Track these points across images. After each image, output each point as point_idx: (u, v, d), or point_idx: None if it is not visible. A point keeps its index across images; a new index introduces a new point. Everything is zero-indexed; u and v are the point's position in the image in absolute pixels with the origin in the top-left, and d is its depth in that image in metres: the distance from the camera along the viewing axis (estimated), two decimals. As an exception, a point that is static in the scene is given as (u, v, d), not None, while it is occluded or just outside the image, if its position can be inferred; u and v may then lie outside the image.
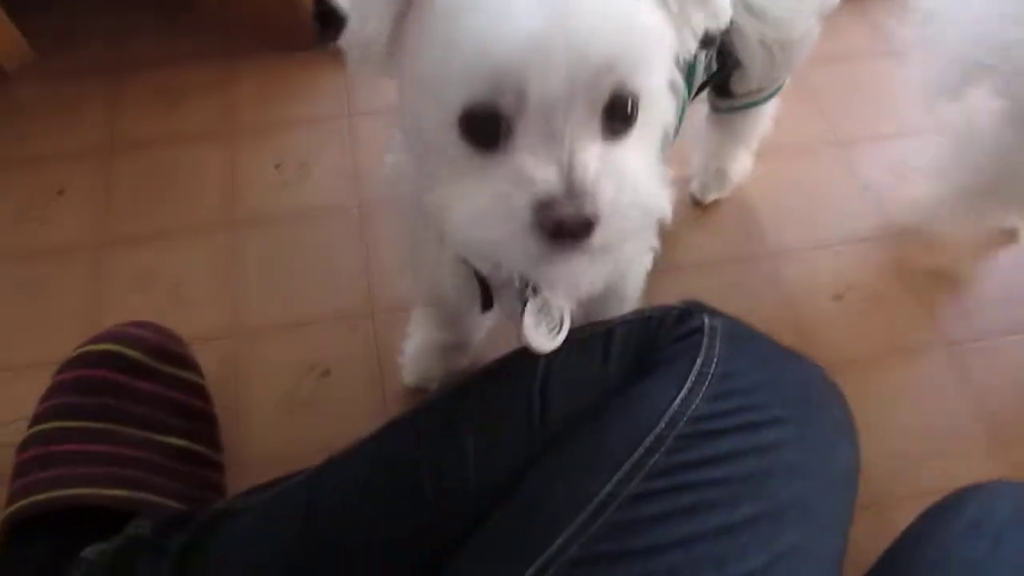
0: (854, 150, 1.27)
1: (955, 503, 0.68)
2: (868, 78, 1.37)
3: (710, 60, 0.85)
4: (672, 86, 0.56)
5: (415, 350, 0.98)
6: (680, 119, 0.81)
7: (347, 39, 0.52)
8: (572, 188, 0.47)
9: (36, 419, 0.85)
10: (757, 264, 1.15)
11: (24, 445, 0.84)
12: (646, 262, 0.80)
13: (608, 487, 0.58)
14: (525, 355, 0.69)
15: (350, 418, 0.99)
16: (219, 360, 1.03)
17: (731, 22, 0.80)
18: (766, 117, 1.06)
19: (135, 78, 1.33)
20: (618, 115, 0.49)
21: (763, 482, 0.60)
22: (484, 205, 0.48)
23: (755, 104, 0.99)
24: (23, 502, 0.81)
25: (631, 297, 0.81)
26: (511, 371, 0.69)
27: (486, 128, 0.48)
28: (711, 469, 0.59)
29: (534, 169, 0.47)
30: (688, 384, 0.63)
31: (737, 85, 0.94)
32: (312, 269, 1.12)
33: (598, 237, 0.47)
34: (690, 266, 1.14)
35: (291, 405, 1.00)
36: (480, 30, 0.45)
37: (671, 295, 1.07)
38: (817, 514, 0.61)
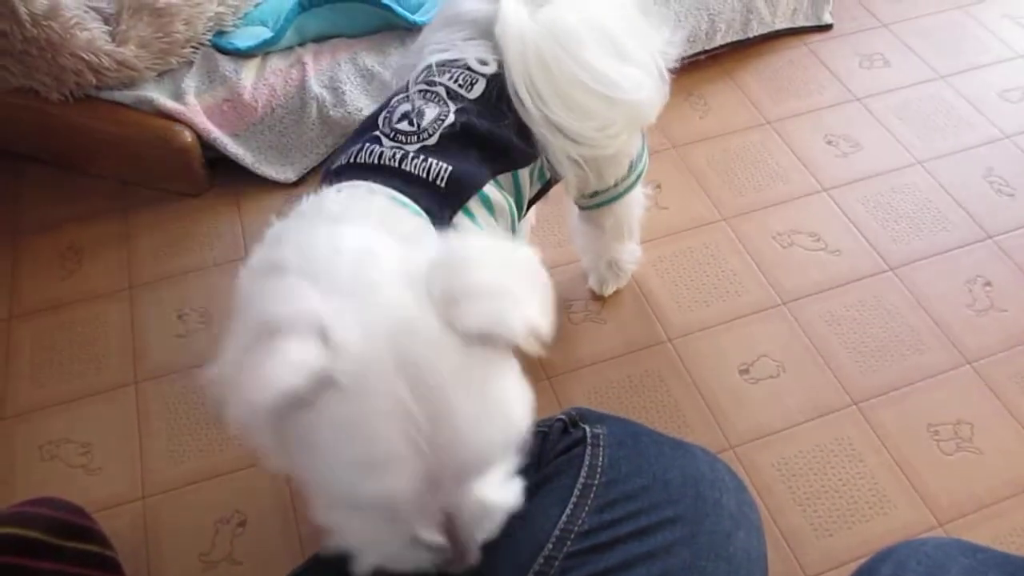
0: (741, 223, 1.31)
1: (870, 570, 0.68)
2: (747, 150, 1.43)
3: (540, 170, 0.88)
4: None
5: None
6: (515, 226, 0.85)
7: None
8: (458, 550, 0.55)
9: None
10: (661, 349, 1.16)
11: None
12: None
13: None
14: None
15: (272, 566, 0.97)
16: (131, 525, 1.00)
17: (539, 140, 0.84)
18: (634, 206, 1.08)
19: (33, 242, 1.33)
20: None
21: None
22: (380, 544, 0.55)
23: (611, 201, 1.02)
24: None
25: None
26: None
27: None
28: (604, 584, 0.58)
29: (423, 535, 0.54)
30: (573, 499, 0.63)
31: (569, 192, 0.98)
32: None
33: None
34: (595, 361, 1.15)
35: (208, 562, 0.98)
36: (359, 471, 0.50)
37: (577, 394, 1.09)
38: None
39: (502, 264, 0.56)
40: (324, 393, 0.49)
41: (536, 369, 1.12)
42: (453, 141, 0.78)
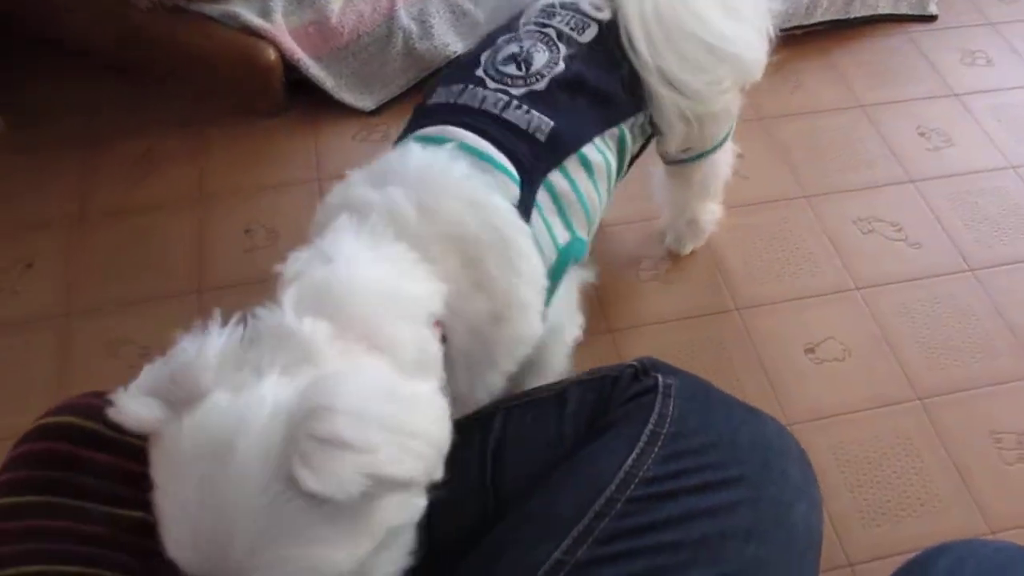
0: (822, 203, 1.28)
1: (925, 561, 0.67)
2: (835, 131, 1.39)
3: (642, 126, 0.86)
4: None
5: None
6: (612, 186, 0.83)
7: None
8: None
9: (-10, 494, 0.84)
10: (727, 317, 1.14)
11: (-24, 523, 0.82)
12: (568, 339, 0.85)
13: (556, 554, 0.56)
14: (478, 417, 0.68)
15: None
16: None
17: (650, 92, 0.82)
18: (722, 164, 1.07)
19: (107, 149, 1.35)
20: None
21: (717, 546, 0.58)
22: None
23: (700, 157, 1.00)
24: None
25: (556, 370, 0.84)
26: (464, 433, 0.68)
27: None
28: (663, 533, 0.57)
29: None
30: (640, 445, 0.62)
31: (662, 148, 0.95)
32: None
33: None
34: (658, 321, 1.13)
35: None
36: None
37: (636, 351, 1.08)
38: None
39: (372, 410, 0.50)
40: (154, 447, 0.53)
41: (598, 320, 1.12)
42: (563, 90, 0.77)
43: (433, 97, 0.79)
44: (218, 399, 0.51)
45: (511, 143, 0.73)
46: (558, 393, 0.70)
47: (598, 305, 1.14)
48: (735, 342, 1.12)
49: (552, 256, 0.74)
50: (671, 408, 0.65)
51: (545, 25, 0.81)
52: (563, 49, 0.79)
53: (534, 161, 0.73)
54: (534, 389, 0.71)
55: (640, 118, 0.84)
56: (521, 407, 0.69)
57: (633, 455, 0.61)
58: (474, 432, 0.68)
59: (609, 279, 1.17)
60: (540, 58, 0.78)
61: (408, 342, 0.59)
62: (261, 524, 0.48)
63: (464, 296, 0.66)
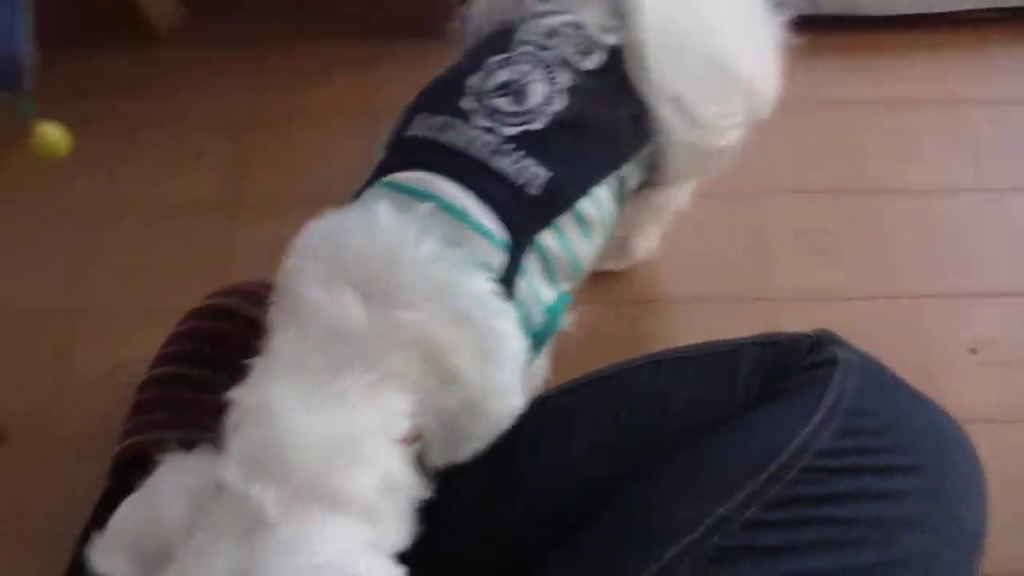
0: (1006, 199, 1.20)
1: None
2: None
3: (648, 158, 0.78)
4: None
5: None
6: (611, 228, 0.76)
7: None
8: None
9: (155, 363, 0.88)
10: (893, 305, 1.10)
11: (142, 387, 0.87)
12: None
13: (722, 510, 0.55)
14: (647, 363, 0.68)
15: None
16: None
17: (659, 124, 0.74)
18: (683, 194, 0.98)
19: (281, 52, 1.36)
20: None
21: (890, 530, 0.56)
22: None
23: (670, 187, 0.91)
24: (131, 441, 0.84)
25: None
26: (631, 379, 0.68)
27: None
28: (837, 507, 0.56)
29: None
30: (818, 416, 0.60)
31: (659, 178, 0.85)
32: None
33: None
34: (820, 299, 1.09)
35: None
36: None
37: (795, 326, 1.04)
38: (940, 572, 0.57)
39: None
40: None
41: (752, 289, 1.09)
42: (563, 131, 0.68)
43: (412, 126, 0.70)
44: (174, 572, 0.51)
45: (498, 199, 0.64)
46: (732, 351, 0.68)
47: (760, 267, 1.11)
48: (898, 328, 1.08)
49: (539, 319, 0.67)
50: (849, 385, 0.63)
51: (543, 48, 0.71)
52: (564, 79, 0.70)
53: (524, 220, 0.65)
54: (704, 344, 0.70)
55: (645, 151, 0.76)
56: (690, 359, 0.68)
57: (811, 426, 0.59)
58: (642, 374, 0.67)
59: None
60: (537, 91, 0.68)
61: (365, 490, 0.55)
62: None
63: (432, 396, 0.60)
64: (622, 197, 0.75)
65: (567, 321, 0.73)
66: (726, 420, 0.63)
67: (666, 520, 0.56)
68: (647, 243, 1.08)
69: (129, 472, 0.81)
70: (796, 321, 1.04)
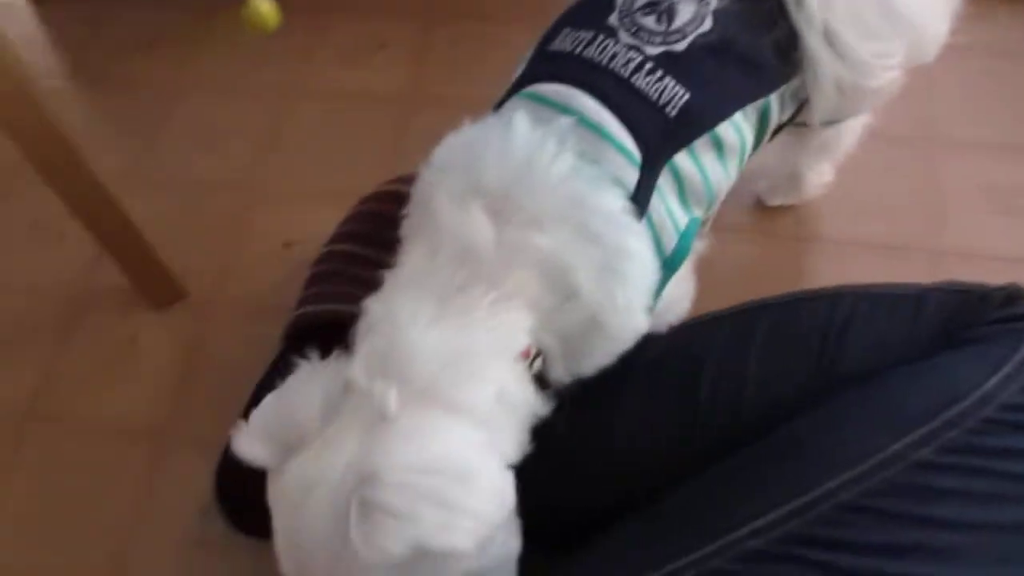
0: None
1: None
2: None
3: (794, 93, 0.74)
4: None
5: None
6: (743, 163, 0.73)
7: None
8: None
9: (332, 239, 0.93)
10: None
11: (319, 260, 0.92)
12: (674, 319, 0.79)
13: (896, 446, 0.54)
14: (825, 293, 0.66)
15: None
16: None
17: (808, 56, 0.69)
18: (849, 133, 0.92)
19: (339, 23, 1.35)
20: None
21: None
22: None
23: (835, 123, 0.86)
24: (304, 310, 0.89)
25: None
26: (810, 308, 0.67)
27: None
28: (1014, 463, 0.54)
29: None
30: (1006, 369, 0.57)
31: (801, 117, 0.81)
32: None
33: None
34: (997, 258, 1.03)
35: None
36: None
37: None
38: None
39: (421, 483, 0.52)
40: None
41: (923, 240, 1.04)
42: (706, 54, 0.66)
43: (557, 39, 0.70)
44: (306, 458, 0.55)
45: (636, 117, 0.64)
46: (917, 295, 0.66)
47: (934, 219, 1.06)
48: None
49: (672, 242, 0.66)
50: None
51: None
52: (714, 1, 0.67)
53: (660, 141, 0.64)
54: (887, 284, 0.68)
55: (792, 86, 0.72)
56: (873, 297, 0.67)
57: (997, 377, 0.57)
58: (820, 308, 0.66)
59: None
60: (686, 11, 0.66)
61: (481, 401, 0.57)
62: (331, 568, 0.53)
63: (553, 314, 0.61)
64: (764, 129, 0.73)
65: (699, 247, 0.73)
66: (904, 361, 0.62)
67: (833, 449, 0.56)
68: (818, 180, 1.05)
69: (301, 339, 0.87)
70: (967, 278, 1.00)
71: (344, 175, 1.13)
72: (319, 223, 1.03)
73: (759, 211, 1.09)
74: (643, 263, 0.63)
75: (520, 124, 0.62)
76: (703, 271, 1.01)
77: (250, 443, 0.57)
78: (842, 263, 1.05)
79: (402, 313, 0.59)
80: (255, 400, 0.87)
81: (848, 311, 0.65)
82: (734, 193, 1.08)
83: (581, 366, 0.66)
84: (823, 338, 0.64)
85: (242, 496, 0.86)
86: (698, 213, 0.70)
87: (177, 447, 0.96)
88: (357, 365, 0.58)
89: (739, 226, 1.07)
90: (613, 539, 0.61)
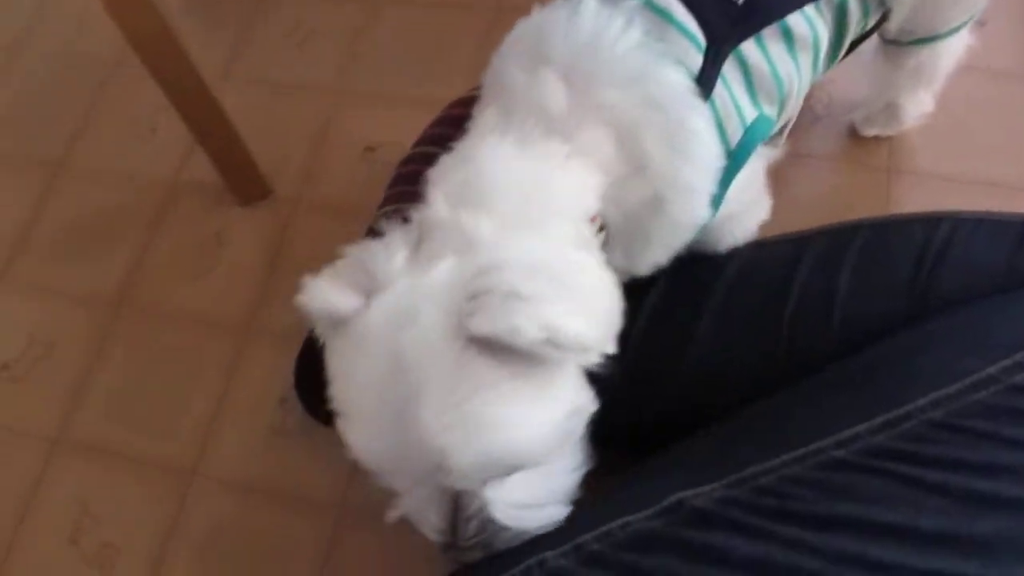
0: None
1: None
2: None
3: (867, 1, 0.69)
4: None
5: None
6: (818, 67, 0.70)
7: None
8: (453, 539, 0.54)
9: (419, 141, 0.93)
10: None
11: (405, 161, 0.92)
12: (752, 224, 0.77)
13: (991, 369, 0.53)
14: (920, 218, 0.65)
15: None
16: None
17: None
18: (946, 55, 0.87)
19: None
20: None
21: None
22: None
23: (920, 42, 0.81)
24: (387, 209, 0.90)
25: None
26: (906, 230, 0.65)
27: None
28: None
29: (423, 525, 0.54)
30: None
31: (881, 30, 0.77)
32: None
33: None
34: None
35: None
36: (351, 436, 0.53)
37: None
38: None
39: (544, 266, 0.52)
40: (340, 336, 0.54)
41: (1018, 183, 1.00)
42: None
43: None
44: (395, 290, 0.53)
45: (702, 2, 0.62)
46: (1019, 223, 0.64)
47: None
48: None
49: (737, 134, 0.64)
50: None
51: None
52: None
53: (726, 27, 0.62)
54: (989, 212, 0.66)
55: None
56: (973, 223, 0.65)
57: None
58: (915, 231, 0.64)
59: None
60: None
61: (563, 235, 0.56)
62: (448, 382, 0.50)
63: (622, 183, 0.60)
64: (842, 29, 0.70)
65: (777, 152, 0.72)
66: (1001, 291, 0.60)
67: (925, 368, 0.55)
68: (916, 110, 1.00)
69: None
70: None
71: (430, 82, 1.13)
72: (402, 129, 1.03)
73: (852, 141, 1.05)
74: (706, 143, 0.62)
75: (588, 5, 0.62)
76: (789, 199, 1.00)
77: (326, 290, 0.54)
78: (936, 199, 1.02)
79: (481, 151, 0.60)
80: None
81: (946, 236, 0.63)
82: (826, 122, 1.07)
83: (638, 258, 0.66)
84: (918, 261, 0.62)
85: (321, 387, 0.89)
86: (770, 112, 0.68)
87: (259, 340, 0.99)
88: (438, 201, 0.57)
89: (830, 155, 1.04)
90: (693, 445, 0.62)
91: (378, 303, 0.53)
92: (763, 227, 0.79)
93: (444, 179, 0.59)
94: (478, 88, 0.96)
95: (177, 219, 1.09)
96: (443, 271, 0.53)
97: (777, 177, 0.90)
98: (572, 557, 0.54)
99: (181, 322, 1.02)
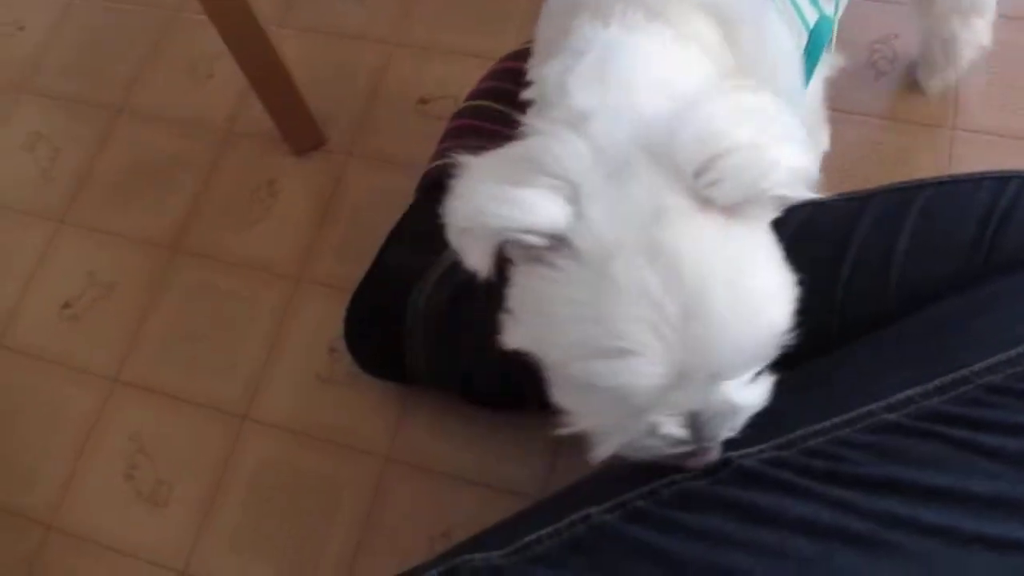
0: None
1: None
2: None
3: None
4: None
5: None
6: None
7: None
8: (700, 447, 0.49)
9: (472, 95, 0.93)
10: None
11: (458, 114, 0.92)
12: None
13: (1055, 334, 0.52)
14: (991, 177, 0.63)
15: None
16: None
17: None
18: None
19: None
20: None
21: None
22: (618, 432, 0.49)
23: None
24: (441, 162, 0.90)
25: None
26: (971, 190, 0.63)
27: None
28: None
29: (664, 429, 0.48)
30: None
31: None
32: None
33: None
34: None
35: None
36: (597, 357, 0.44)
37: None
38: None
39: (750, 118, 0.45)
40: (559, 258, 0.45)
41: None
42: None
43: None
44: (606, 180, 0.45)
45: None
46: (1094, 185, 0.62)
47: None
48: None
49: (802, 38, 0.62)
50: None
51: None
52: None
53: None
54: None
55: None
56: None
57: None
58: (982, 187, 0.63)
59: None
60: None
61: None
62: (727, 269, 0.44)
63: (730, 78, 0.55)
64: None
65: (835, 61, 0.69)
66: None
67: (985, 331, 0.54)
68: (974, 40, 0.94)
69: (435, 191, 0.88)
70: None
71: (483, 36, 1.11)
72: (455, 82, 1.03)
73: (914, 99, 1.02)
74: (785, 42, 0.60)
75: None
76: (851, 161, 0.98)
77: (536, 203, 0.44)
78: (1001, 159, 0.99)
79: (594, 43, 0.53)
80: (384, 250, 0.90)
81: (1013, 196, 0.61)
82: (891, 78, 1.04)
83: None
84: (982, 222, 0.60)
85: (368, 337, 0.90)
86: (828, 10, 0.66)
87: (309, 288, 1.00)
88: (574, 86, 0.51)
89: (892, 114, 1.02)
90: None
91: (602, 207, 0.44)
92: (825, 188, 0.77)
93: (574, 71, 0.52)
94: (531, 41, 0.96)
95: (231, 166, 1.10)
96: (645, 156, 0.45)
97: (839, 138, 0.88)
98: (617, 513, 0.54)
99: (234, 268, 1.03)
